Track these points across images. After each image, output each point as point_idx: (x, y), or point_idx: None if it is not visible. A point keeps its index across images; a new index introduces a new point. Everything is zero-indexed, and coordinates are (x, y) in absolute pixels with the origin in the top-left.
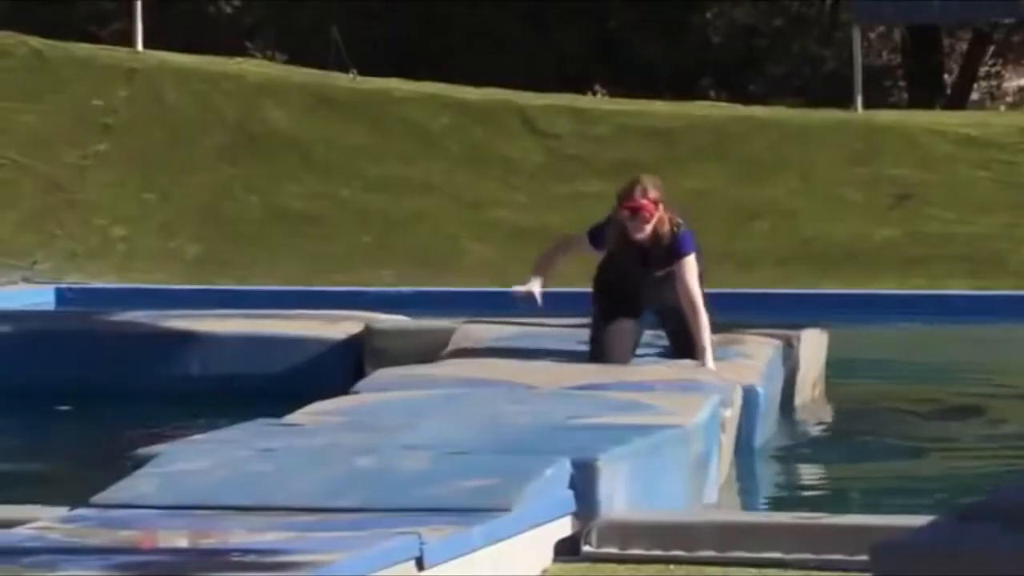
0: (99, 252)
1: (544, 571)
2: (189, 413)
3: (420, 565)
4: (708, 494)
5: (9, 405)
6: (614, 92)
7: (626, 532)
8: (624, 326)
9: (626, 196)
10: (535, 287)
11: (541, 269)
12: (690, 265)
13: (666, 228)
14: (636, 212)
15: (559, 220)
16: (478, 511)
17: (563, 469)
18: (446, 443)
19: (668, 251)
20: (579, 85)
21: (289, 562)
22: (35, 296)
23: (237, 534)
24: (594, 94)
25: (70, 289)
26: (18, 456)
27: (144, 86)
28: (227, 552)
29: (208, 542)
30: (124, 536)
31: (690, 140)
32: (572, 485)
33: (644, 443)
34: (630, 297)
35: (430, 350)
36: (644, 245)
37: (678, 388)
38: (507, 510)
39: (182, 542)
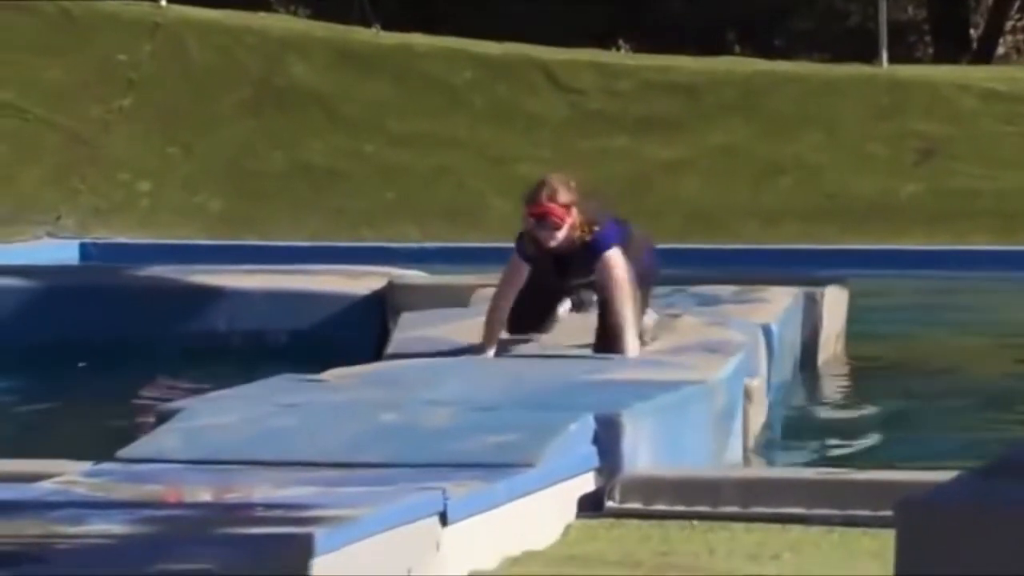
0: (123, 207)
1: (567, 526)
2: (213, 368)
3: (444, 520)
4: (732, 450)
5: (33, 360)
6: (638, 48)
7: (649, 488)
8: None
9: (531, 201)
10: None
11: (492, 338)
12: (613, 259)
13: (579, 234)
14: (543, 218)
15: (583, 175)
16: (502, 467)
17: (586, 425)
18: (470, 399)
19: (585, 257)
20: (604, 42)
21: (313, 516)
22: (59, 251)
23: (261, 488)
24: (618, 49)
25: (94, 244)
26: (42, 411)
27: (168, 41)
28: (251, 506)
29: (232, 496)
30: (149, 490)
31: (715, 95)
32: (595, 441)
33: (667, 398)
34: (543, 310)
35: (453, 306)
36: (558, 254)
37: (701, 344)
38: (531, 465)
39: (206, 496)
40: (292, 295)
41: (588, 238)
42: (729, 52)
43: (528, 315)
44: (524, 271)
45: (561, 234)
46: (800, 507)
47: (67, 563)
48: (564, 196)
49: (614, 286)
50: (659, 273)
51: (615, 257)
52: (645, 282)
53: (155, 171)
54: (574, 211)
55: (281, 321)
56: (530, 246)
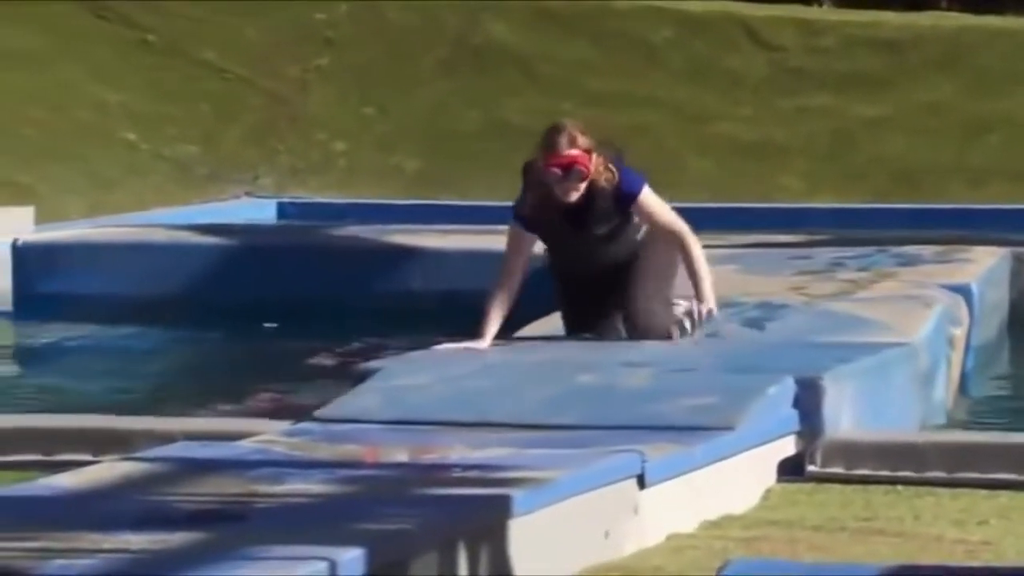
0: (320, 167)
1: (767, 490)
2: (409, 328)
3: (642, 483)
4: (936, 412)
5: (232, 318)
6: (841, 3)
7: (852, 452)
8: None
9: (551, 150)
10: (475, 349)
11: (488, 326)
12: (651, 200)
13: (604, 180)
14: (570, 168)
15: (783, 134)
16: (700, 429)
17: (787, 387)
18: (666, 361)
19: (612, 201)
20: None
21: (510, 478)
22: (257, 210)
23: (458, 449)
24: (820, 5)
25: (291, 203)
26: (244, 370)
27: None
28: (449, 467)
29: (429, 457)
30: (347, 450)
31: (920, 52)
32: (796, 404)
33: (869, 361)
34: (584, 279)
35: None
36: (568, 206)
37: (905, 305)
38: (730, 428)
39: (404, 457)
40: (487, 255)
41: (611, 184)
42: (935, 7)
43: (577, 313)
44: (528, 244)
45: (584, 185)
46: (1009, 472)
47: (267, 521)
48: (584, 141)
49: (662, 219)
50: None
51: (651, 196)
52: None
53: (352, 131)
54: (594, 157)
55: (476, 281)
56: (534, 209)
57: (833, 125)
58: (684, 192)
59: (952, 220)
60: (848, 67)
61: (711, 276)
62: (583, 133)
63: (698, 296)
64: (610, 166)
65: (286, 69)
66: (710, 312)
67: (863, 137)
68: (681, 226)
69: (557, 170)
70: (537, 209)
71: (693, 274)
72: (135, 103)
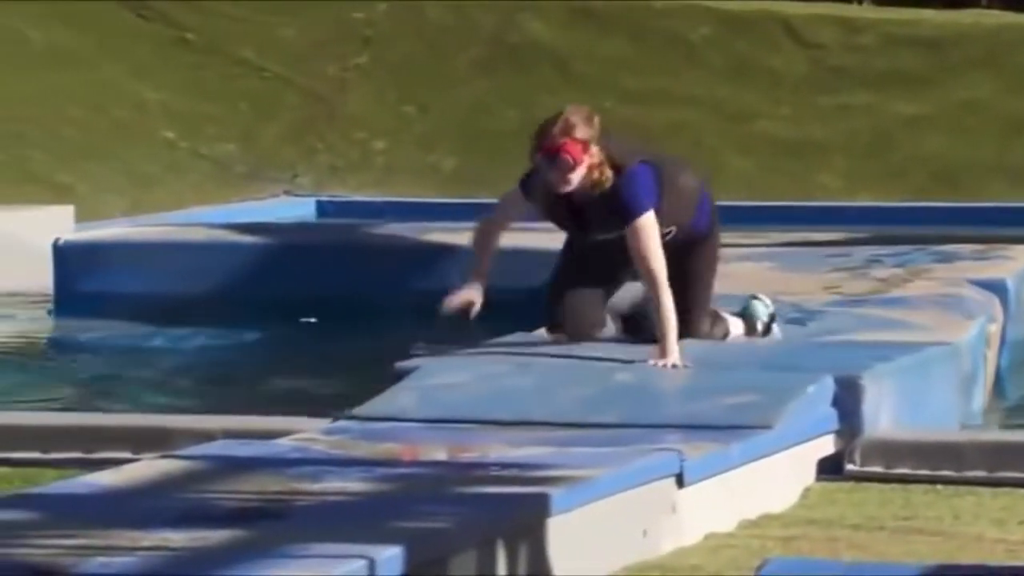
0: (359, 165)
1: (806, 489)
2: (447, 326)
3: (680, 482)
4: (974, 412)
5: (271, 316)
6: (881, 1)
7: (891, 451)
8: (584, 293)
9: (543, 135)
10: (475, 295)
11: (481, 263)
12: (642, 230)
13: (599, 177)
14: (554, 156)
15: (823, 133)
16: (739, 428)
17: (826, 386)
18: (705, 359)
19: (609, 208)
20: None
21: (548, 476)
22: (296, 209)
23: (496, 448)
24: (860, 2)
25: (330, 202)
26: (281, 369)
27: None
28: (487, 466)
29: (468, 456)
30: (385, 449)
31: (960, 50)
32: (835, 402)
33: (909, 360)
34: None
35: None
36: (573, 201)
37: (941, 303)
38: (769, 427)
39: (442, 455)
40: (525, 253)
41: (609, 185)
42: (975, 5)
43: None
44: (521, 206)
45: (576, 177)
46: None
47: (306, 519)
48: (582, 131)
49: (640, 253)
50: (716, 231)
51: (646, 225)
52: (700, 242)
53: (390, 130)
54: (593, 150)
55: (514, 279)
56: (540, 191)
57: (873, 123)
58: (723, 190)
59: (992, 218)
60: (888, 65)
61: (675, 329)
62: (585, 122)
63: (660, 349)
64: (606, 169)
65: (325, 68)
66: (675, 367)
67: (903, 135)
68: (657, 273)
69: (541, 156)
70: (541, 197)
71: (658, 324)
72: (174, 102)
